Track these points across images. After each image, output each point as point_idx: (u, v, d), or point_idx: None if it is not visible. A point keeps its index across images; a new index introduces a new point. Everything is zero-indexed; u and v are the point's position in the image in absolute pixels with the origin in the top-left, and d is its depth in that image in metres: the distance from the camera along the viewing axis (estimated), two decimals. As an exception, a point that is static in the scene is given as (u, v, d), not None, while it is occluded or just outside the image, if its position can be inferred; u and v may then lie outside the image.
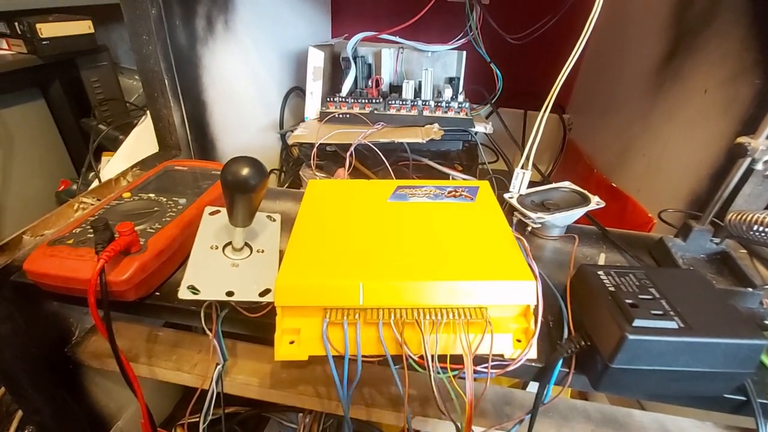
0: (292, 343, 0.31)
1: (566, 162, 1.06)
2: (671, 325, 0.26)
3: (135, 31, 0.49)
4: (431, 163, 0.77)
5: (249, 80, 0.74)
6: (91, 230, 0.33)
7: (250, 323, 0.34)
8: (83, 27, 0.89)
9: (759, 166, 0.37)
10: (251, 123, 0.78)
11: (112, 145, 0.91)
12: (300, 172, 0.71)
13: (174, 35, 0.53)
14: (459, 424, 0.29)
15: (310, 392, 0.40)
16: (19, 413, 0.59)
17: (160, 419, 0.58)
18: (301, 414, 0.50)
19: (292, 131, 0.74)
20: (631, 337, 0.25)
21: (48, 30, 0.84)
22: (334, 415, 0.49)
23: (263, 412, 0.50)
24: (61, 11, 0.91)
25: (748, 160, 0.37)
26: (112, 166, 0.69)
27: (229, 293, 0.30)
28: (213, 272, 0.31)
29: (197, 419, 0.41)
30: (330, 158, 0.76)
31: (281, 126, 0.87)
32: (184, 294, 0.29)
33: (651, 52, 0.69)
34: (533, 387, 0.65)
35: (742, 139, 0.36)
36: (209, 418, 0.39)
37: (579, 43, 0.43)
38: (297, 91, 0.91)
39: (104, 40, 1.03)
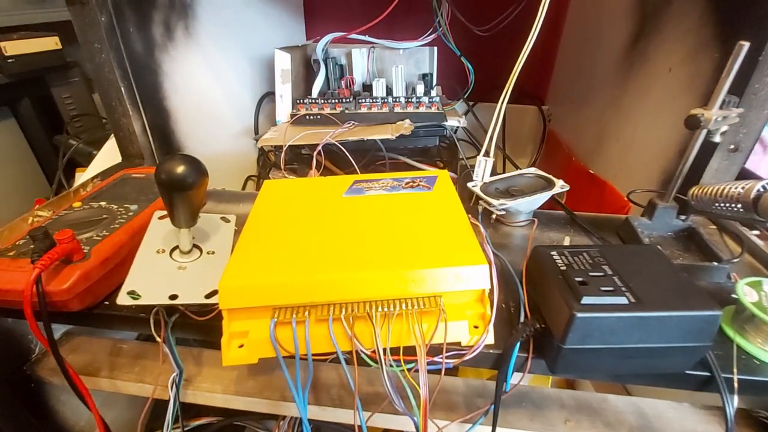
0: (241, 347, 0.30)
1: (547, 153, 1.06)
2: (621, 300, 0.25)
3: (86, 39, 0.49)
4: (408, 160, 0.77)
5: (216, 87, 0.74)
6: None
7: (202, 328, 0.33)
8: (50, 43, 0.88)
9: (717, 138, 0.37)
10: (222, 130, 0.77)
11: (87, 161, 0.90)
12: (270, 175, 0.71)
13: (128, 42, 0.52)
14: (415, 419, 0.28)
15: (277, 397, 0.39)
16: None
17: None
18: (274, 421, 0.48)
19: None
20: (579, 315, 0.24)
21: (13, 48, 0.83)
22: (312, 420, 0.47)
23: (237, 420, 0.48)
24: (26, 29, 0.90)
25: (704, 132, 0.36)
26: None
27: (173, 296, 0.29)
28: (156, 276, 0.30)
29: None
30: (304, 161, 0.75)
31: (256, 131, 0.86)
32: (123, 300, 0.28)
33: (620, 34, 0.68)
34: (514, 380, 0.64)
35: (695, 111, 0.35)
36: (169, 430, 0.37)
37: (534, 27, 0.42)
38: (271, 96, 0.90)
39: (75, 56, 1.02)
